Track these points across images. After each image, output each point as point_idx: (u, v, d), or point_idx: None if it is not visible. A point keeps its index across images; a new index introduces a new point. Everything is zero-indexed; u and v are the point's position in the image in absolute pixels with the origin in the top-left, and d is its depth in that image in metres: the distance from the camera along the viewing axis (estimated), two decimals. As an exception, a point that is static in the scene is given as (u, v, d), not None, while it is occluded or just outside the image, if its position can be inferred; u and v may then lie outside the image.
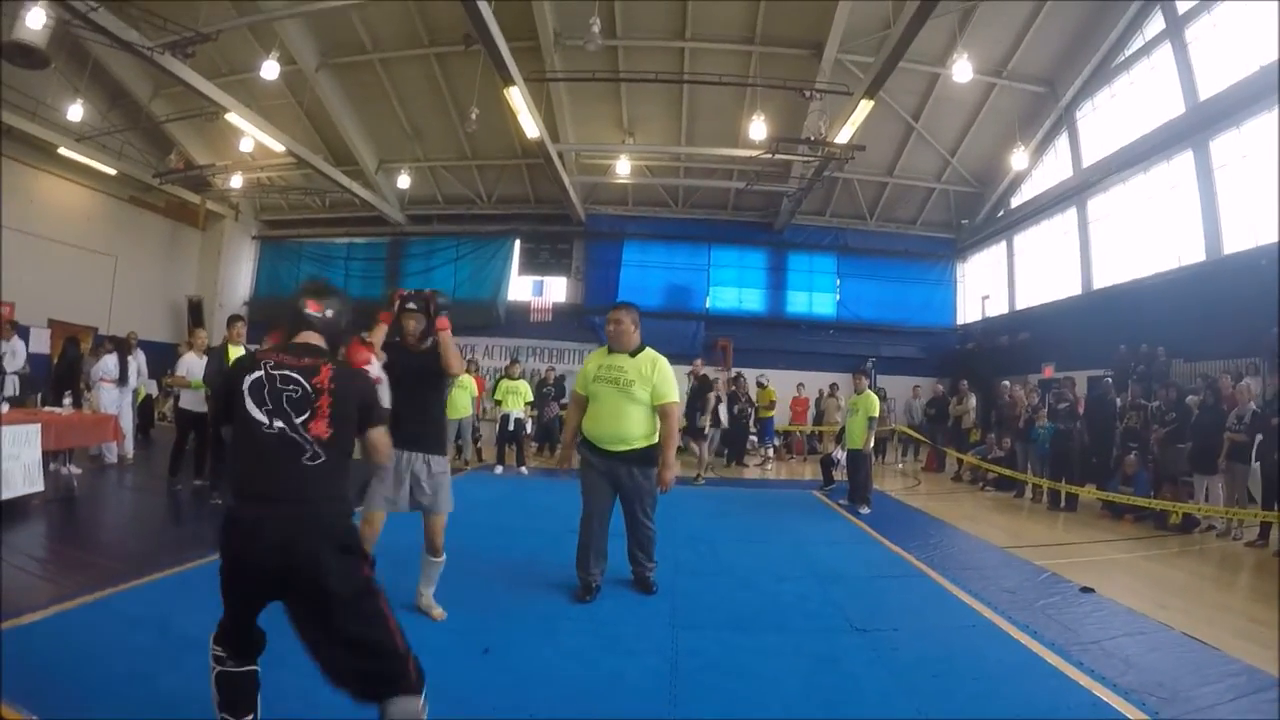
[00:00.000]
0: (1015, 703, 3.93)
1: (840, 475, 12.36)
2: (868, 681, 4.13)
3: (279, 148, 18.82)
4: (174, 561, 5.78)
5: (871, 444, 10.87)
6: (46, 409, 9.95)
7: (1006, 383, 15.42)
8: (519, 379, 13.78)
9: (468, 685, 3.80)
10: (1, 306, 15.84)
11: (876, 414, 10.74)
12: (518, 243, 23.83)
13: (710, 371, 16.76)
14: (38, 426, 7.82)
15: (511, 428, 13.37)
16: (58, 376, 13.17)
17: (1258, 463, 9.33)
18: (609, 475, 5.49)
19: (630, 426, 5.42)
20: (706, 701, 3.81)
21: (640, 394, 5.42)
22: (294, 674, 3.09)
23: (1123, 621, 5.39)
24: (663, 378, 5.53)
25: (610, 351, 5.68)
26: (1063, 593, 6.13)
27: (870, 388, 11.24)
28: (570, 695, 3.81)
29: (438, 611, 4.84)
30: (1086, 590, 6.13)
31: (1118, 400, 12.28)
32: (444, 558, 4.91)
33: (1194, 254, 14.23)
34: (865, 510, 10.27)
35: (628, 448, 5.42)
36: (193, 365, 9.75)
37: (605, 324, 5.82)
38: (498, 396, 13.76)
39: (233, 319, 9.30)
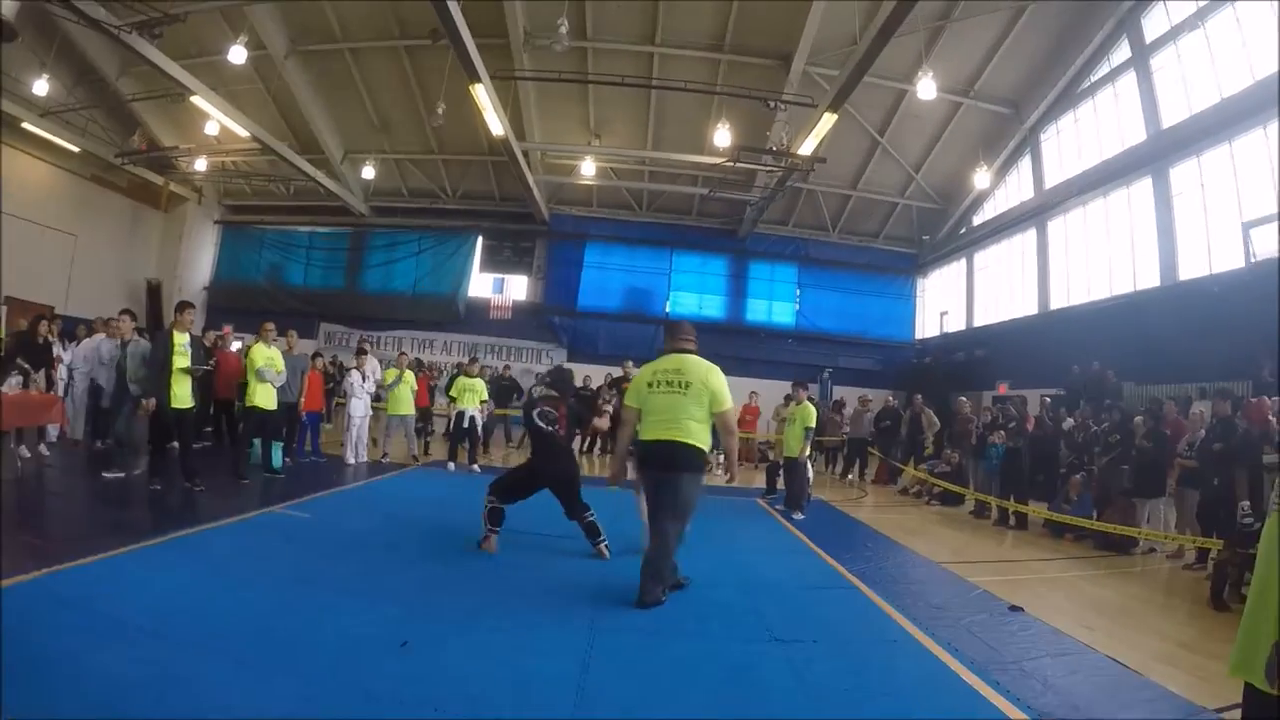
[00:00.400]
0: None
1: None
2: (777, 692, 4.06)
3: (244, 133, 18.67)
4: (110, 545, 5.71)
5: (807, 453, 10.97)
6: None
7: (968, 403, 15.46)
8: (476, 377, 13.59)
9: (380, 678, 3.81)
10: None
11: (813, 425, 10.98)
12: (480, 239, 23.80)
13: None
14: None
15: (466, 425, 13.20)
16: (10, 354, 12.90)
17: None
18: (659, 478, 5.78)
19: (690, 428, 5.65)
20: (611, 705, 3.76)
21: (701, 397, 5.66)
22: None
23: (1047, 642, 5.35)
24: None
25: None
26: (991, 610, 6.10)
27: (826, 398, 11.34)
28: (477, 693, 3.77)
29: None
30: (1015, 609, 6.10)
31: (1068, 420, 12.34)
32: None
33: (1149, 279, 14.39)
34: (798, 516, 10.48)
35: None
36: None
37: (672, 339, 6.05)
38: (453, 393, 13.59)
39: (182, 305, 9.19)
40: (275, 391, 10.01)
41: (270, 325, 10.43)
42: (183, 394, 8.52)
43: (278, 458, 10.53)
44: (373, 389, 13.00)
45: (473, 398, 13.17)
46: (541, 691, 3.85)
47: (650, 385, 5.72)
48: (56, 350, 11.55)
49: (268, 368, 9.77)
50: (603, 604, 5.50)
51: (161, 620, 4.30)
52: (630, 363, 13.79)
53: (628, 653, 4.51)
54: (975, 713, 3.99)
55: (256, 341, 10.09)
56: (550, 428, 6.91)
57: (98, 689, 3.38)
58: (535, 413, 6.93)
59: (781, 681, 4.22)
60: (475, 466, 12.98)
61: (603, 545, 6.85)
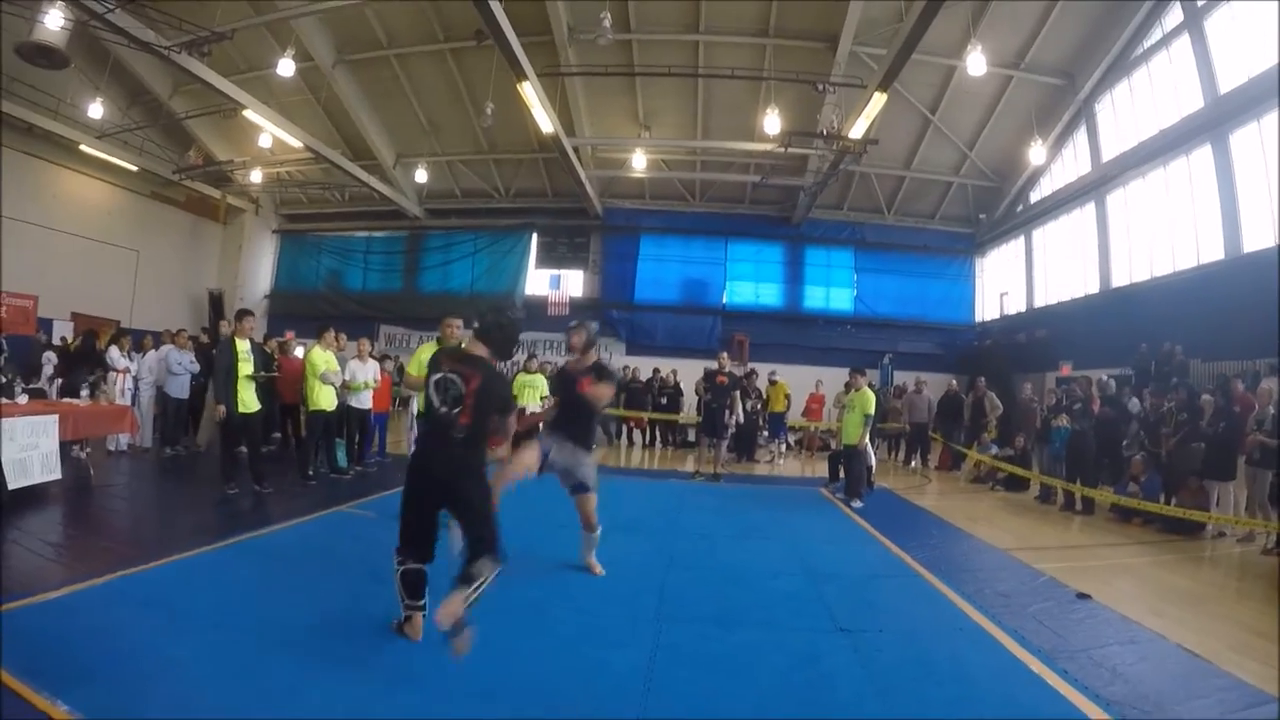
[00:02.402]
0: (992, 709, 3.88)
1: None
2: (844, 681, 4.11)
3: (297, 143, 19.03)
4: (182, 547, 5.94)
5: (867, 440, 10.99)
6: (65, 400, 10.19)
7: (1028, 384, 15.21)
8: (536, 373, 13.67)
9: (451, 673, 3.86)
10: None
11: (871, 412, 10.95)
12: (535, 236, 23.96)
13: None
14: (55, 417, 8.05)
15: None
16: (72, 365, 13.32)
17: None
18: None
19: None
20: (680, 696, 3.83)
21: None
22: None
23: (1116, 630, 5.30)
24: None
25: None
26: (1058, 598, 6.05)
27: (888, 384, 11.28)
28: (548, 686, 3.87)
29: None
30: (1083, 596, 6.04)
31: (1135, 401, 12.08)
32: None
33: (1213, 252, 14.01)
34: (857, 504, 10.48)
35: None
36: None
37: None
38: (514, 390, 13.70)
39: (241, 313, 9.42)
40: (335, 393, 10.19)
41: (331, 331, 10.62)
42: (248, 399, 8.74)
43: (342, 458, 10.76)
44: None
45: (533, 394, 13.24)
46: (610, 683, 3.94)
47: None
48: (124, 362, 11.91)
49: (329, 371, 9.97)
50: (667, 592, 5.61)
51: (236, 617, 4.47)
52: (725, 354, 13.81)
53: (694, 643, 4.57)
54: (1043, 702, 3.99)
55: (315, 346, 10.27)
56: (447, 409, 4.18)
57: (176, 686, 3.55)
58: (433, 380, 4.25)
59: (849, 671, 4.27)
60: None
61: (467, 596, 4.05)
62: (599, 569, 6.00)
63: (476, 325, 4.39)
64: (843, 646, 4.66)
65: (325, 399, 9.96)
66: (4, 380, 9.12)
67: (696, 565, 6.56)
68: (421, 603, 4.30)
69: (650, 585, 5.80)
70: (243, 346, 8.77)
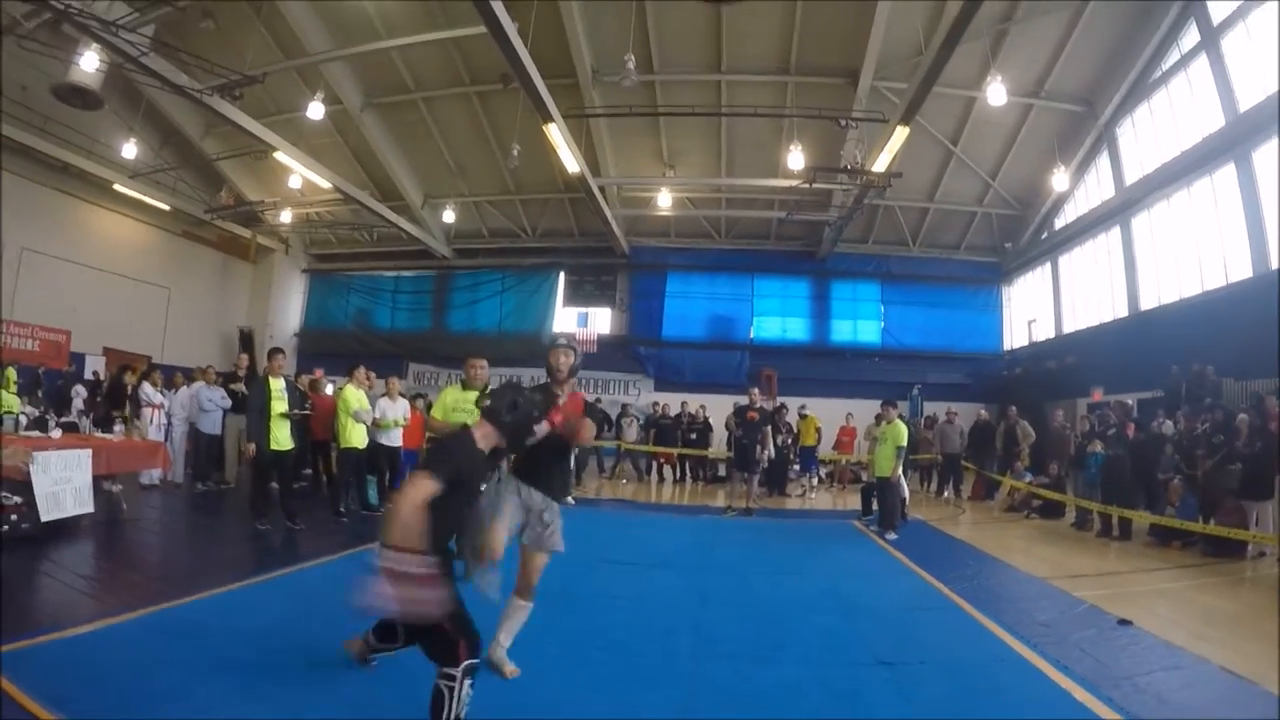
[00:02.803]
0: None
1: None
2: (887, 717, 4.11)
3: (326, 184, 19.40)
4: (214, 583, 6.02)
5: (900, 472, 11.02)
6: (98, 434, 10.29)
7: (1060, 411, 15.10)
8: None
9: (488, 709, 3.82)
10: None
11: (904, 443, 11.02)
12: (562, 275, 24.17)
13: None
14: (89, 451, 8.13)
15: None
16: (107, 400, 13.58)
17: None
18: None
19: None
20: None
21: None
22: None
23: (1159, 655, 5.27)
24: None
25: None
26: (1100, 625, 6.02)
27: (917, 415, 11.30)
28: None
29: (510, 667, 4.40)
30: (1124, 623, 6.02)
31: (1168, 423, 11.98)
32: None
33: (1240, 270, 13.94)
34: (892, 536, 10.48)
35: None
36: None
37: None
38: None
39: (273, 351, 9.57)
40: (366, 430, 10.26)
41: (362, 369, 10.73)
42: (282, 437, 8.86)
43: (373, 495, 10.87)
44: None
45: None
46: None
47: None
48: (159, 398, 12.14)
49: (361, 409, 10.06)
50: (703, 630, 5.62)
51: (272, 655, 4.49)
52: (756, 390, 14.08)
53: (732, 681, 4.55)
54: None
55: (347, 384, 10.37)
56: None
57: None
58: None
59: (891, 706, 4.26)
60: (569, 499, 13.03)
61: None
62: (510, 669, 4.38)
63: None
64: (884, 680, 4.65)
65: (357, 437, 10.07)
66: (39, 414, 9.31)
67: (731, 601, 6.56)
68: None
69: (685, 622, 5.81)
70: (276, 385, 8.90)
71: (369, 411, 10.35)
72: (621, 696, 4.25)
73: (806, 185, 16.79)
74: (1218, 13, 14.16)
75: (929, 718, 4.11)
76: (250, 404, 8.96)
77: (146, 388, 12.24)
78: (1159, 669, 4.97)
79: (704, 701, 4.22)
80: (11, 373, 12.36)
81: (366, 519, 10.03)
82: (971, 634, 5.83)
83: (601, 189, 19.30)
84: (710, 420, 18.55)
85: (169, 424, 12.29)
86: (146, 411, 11.98)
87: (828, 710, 4.17)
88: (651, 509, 8.38)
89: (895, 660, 4.99)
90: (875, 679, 4.68)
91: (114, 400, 12.52)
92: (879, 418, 12.04)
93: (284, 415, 8.90)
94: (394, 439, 11.01)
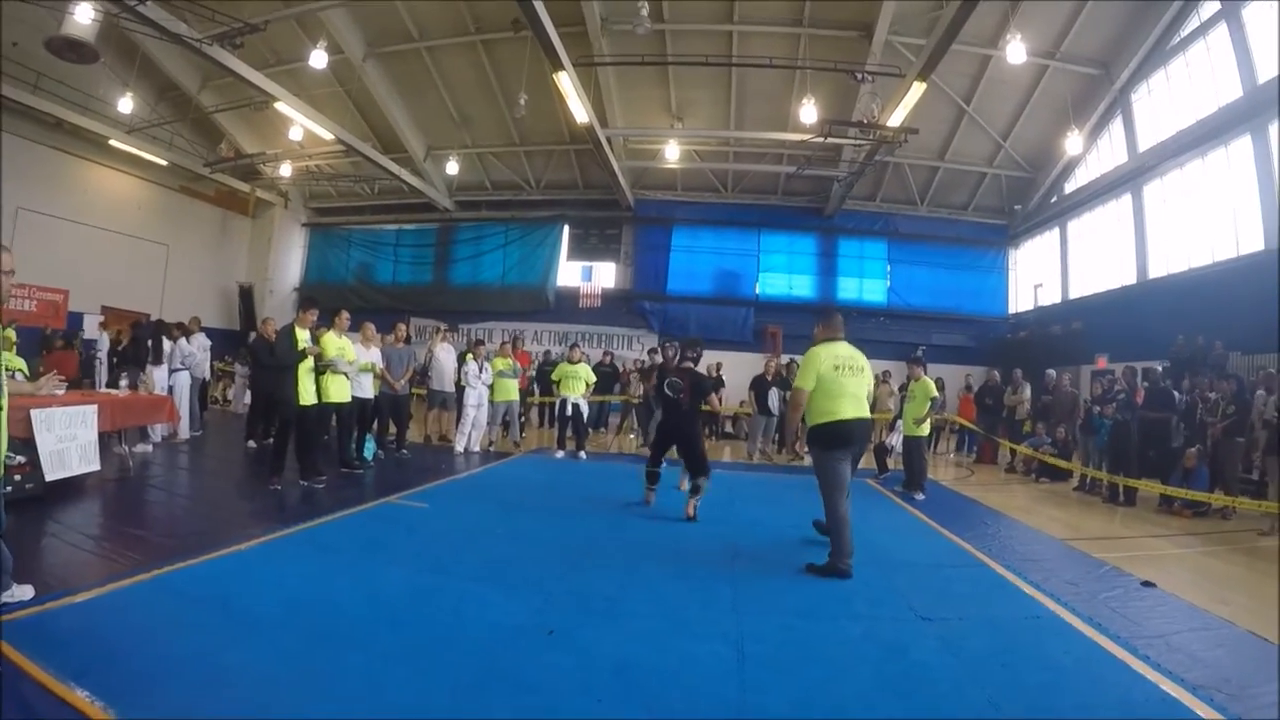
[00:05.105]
0: (1084, 695, 3.92)
1: (894, 463, 12.49)
2: (939, 670, 4.13)
3: (327, 135, 19.22)
4: (231, 540, 5.95)
5: (928, 428, 11.23)
6: (104, 390, 10.27)
7: (1067, 376, 15.16)
8: (579, 363, 13.65)
9: (534, 668, 3.85)
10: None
11: (936, 394, 11.32)
12: (566, 228, 24.07)
13: (757, 358, 16.96)
14: (94, 408, 7.96)
15: (570, 413, 13.30)
16: (124, 358, 13.55)
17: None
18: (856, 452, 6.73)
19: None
20: (777, 686, 3.82)
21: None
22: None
23: (1185, 617, 5.34)
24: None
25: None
26: (1124, 586, 6.09)
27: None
28: (639, 680, 3.81)
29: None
30: (1148, 584, 6.09)
31: (1176, 394, 12.05)
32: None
33: (1253, 243, 13.95)
34: (919, 497, 10.48)
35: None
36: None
37: (837, 329, 7.01)
38: (555, 378, 13.80)
39: (306, 301, 9.38)
40: (348, 382, 9.81)
41: (345, 314, 10.08)
42: (307, 391, 8.69)
43: (369, 449, 10.79)
44: (489, 379, 13.09)
45: (576, 384, 13.25)
46: (702, 675, 3.89)
47: (837, 369, 6.41)
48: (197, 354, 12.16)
49: (339, 357, 9.51)
50: (739, 584, 5.65)
51: (296, 614, 4.41)
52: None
53: (778, 634, 4.58)
54: (1131, 686, 4.03)
55: (328, 330, 9.72)
56: (676, 395, 8.36)
57: (236, 685, 3.44)
58: (666, 383, 8.45)
59: (939, 659, 4.29)
60: (581, 454, 13.09)
61: (692, 506, 7.95)
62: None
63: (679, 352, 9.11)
64: (929, 634, 4.69)
65: (335, 389, 9.51)
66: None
67: (762, 556, 6.61)
68: (654, 486, 8.61)
69: (720, 576, 5.83)
70: (303, 336, 8.65)
71: (353, 363, 9.93)
72: (672, 648, 4.24)
73: (820, 139, 16.71)
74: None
75: (978, 672, 4.13)
76: (278, 356, 8.67)
77: (183, 343, 12.22)
78: (1187, 629, 5.03)
79: (755, 653, 4.21)
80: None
81: (381, 472, 10.09)
82: (1003, 591, 5.88)
83: (608, 140, 19.15)
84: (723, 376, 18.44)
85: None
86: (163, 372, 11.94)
87: (880, 664, 4.20)
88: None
89: (935, 616, 5.03)
90: (919, 633, 4.73)
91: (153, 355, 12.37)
92: (908, 376, 11.98)
93: (312, 369, 8.76)
94: (365, 389, 10.64)
